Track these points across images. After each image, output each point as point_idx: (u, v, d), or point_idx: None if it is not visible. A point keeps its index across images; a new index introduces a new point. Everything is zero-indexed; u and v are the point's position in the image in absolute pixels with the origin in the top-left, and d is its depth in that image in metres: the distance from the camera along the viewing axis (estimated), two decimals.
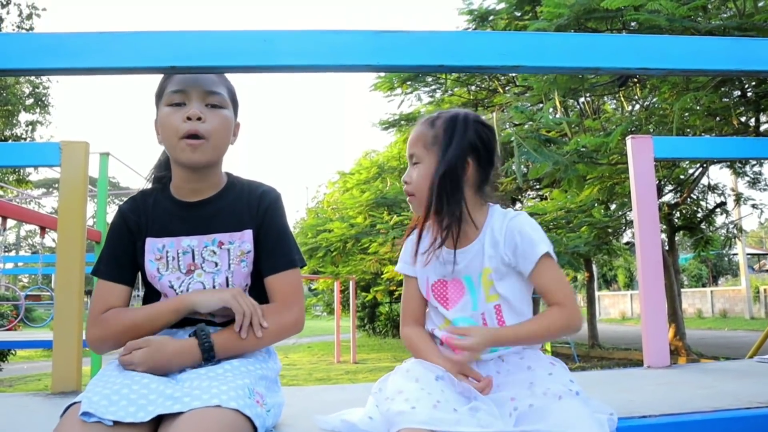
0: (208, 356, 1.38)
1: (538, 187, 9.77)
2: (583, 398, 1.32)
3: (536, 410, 1.29)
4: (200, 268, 1.50)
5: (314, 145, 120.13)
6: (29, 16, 16.86)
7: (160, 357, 1.34)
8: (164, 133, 1.47)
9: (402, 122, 10.36)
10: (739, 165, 9.90)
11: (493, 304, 1.51)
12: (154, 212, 1.55)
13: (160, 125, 1.48)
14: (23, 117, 17.86)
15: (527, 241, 1.46)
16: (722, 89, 6.39)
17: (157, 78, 1.50)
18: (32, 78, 17.76)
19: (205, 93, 1.45)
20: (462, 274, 1.53)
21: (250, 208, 1.54)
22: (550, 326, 1.42)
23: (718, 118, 6.88)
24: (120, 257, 1.54)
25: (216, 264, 1.50)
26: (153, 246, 1.52)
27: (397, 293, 15.05)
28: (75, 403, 1.22)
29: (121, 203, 1.63)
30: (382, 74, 9.01)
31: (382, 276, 12.11)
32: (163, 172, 1.62)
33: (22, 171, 17.30)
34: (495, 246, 1.50)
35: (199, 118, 1.43)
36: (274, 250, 1.53)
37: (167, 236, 1.52)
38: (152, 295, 1.55)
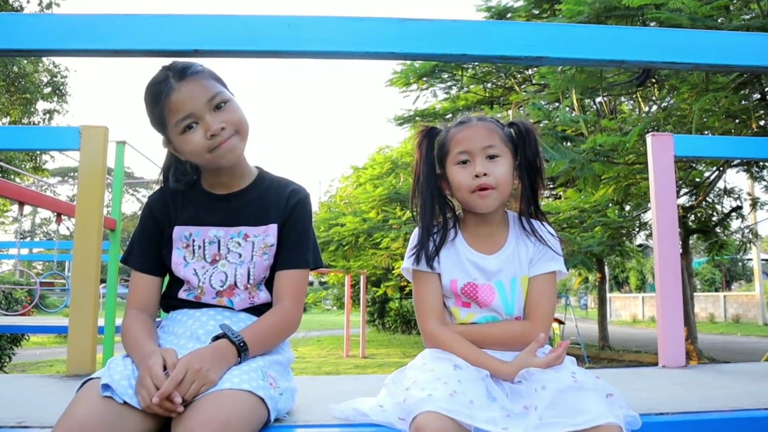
0: (244, 354, 1.35)
1: (552, 186, 9.72)
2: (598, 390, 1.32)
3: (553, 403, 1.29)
4: (224, 258, 1.52)
5: (327, 138, 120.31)
6: (49, 5, 16.96)
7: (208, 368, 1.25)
8: (191, 154, 1.48)
9: (417, 118, 10.33)
10: (756, 169, 9.77)
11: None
12: (183, 202, 1.57)
13: (182, 151, 1.49)
14: (41, 105, 18.02)
15: (551, 251, 1.56)
16: (742, 91, 6.31)
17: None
18: (50, 66, 17.91)
19: (209, 101, 1.45)
20: (493, 279, 1.55)
21: (278, 204, 1.56)
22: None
23: (737, 121, 6.80)
24: (151, 249, 1.56)
25: (240, 255, 1.52)
26: (180, 234, 1.54)
27: (407, 289, 15.01)
28: (93, 378, 1.23)
29: (151, 192, 1.65)
30: (398, 70, 9.00)
31: (393, 271, 12.11)
32: (188, 176, 1.62)
33: (38, 158, 17.47)
34: (528, 252, 1.57)
35: (222, 128, 1.44)
36: (294, 247, 1.54)
37: (195, 225, 1.54)
38: (175, 282, 1.57)
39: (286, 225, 1.55)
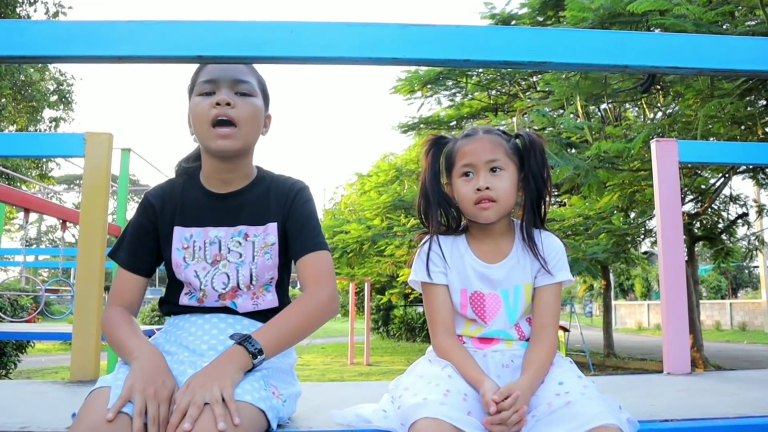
0: (259, 360, 1.33)
1: (556, 192, 9.70)
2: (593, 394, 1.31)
3: (554, 412, 1.28)
4: (225, 258, 1.51)
5: (331, 146, 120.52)
6: (56, 14, 17.08)
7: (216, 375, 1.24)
8: (195, 121, 1.48)
9: (421, 126, 10.34)
10: (763, 176, 9.73)
11: (527, 317, 1.58)
12: (182, 201, 1.55)
13: (191, 115, 1.50)
14: (47, 113, 18.12)
15: (560, 262, 1.57)
16: (748, 97, 6.29)
17: (181, 71, 1.51)
18: (57, 75, 18.02)
19: (235, 82, 1.47)
20: (499, 288, 1.56)
21: (278, 201, 1.55)
22: (551, 353, 1.48)
23: (742, 127, 6.78)
24: (141, 247, 1.55)
25: (240, 255, 1.51)
26: (181, 235, 1.53)
27: (412, 296, 14.99)
28: (101, 387, 1.22)
29: (148, 190, 1.63)
30: (403, 77, 9.01)
31: (398, 279, 12.09)
32: (191, 164, 1.62)
33: (44, 166, 17.55)
34: (532, 261, 1.56)
35: (228, 104, 1.44)
36: (301, 234, 1.52)
37: (195, 226, 1.53)
38: (175, 284, 1.56)
39: (287, 219, 1.53)
